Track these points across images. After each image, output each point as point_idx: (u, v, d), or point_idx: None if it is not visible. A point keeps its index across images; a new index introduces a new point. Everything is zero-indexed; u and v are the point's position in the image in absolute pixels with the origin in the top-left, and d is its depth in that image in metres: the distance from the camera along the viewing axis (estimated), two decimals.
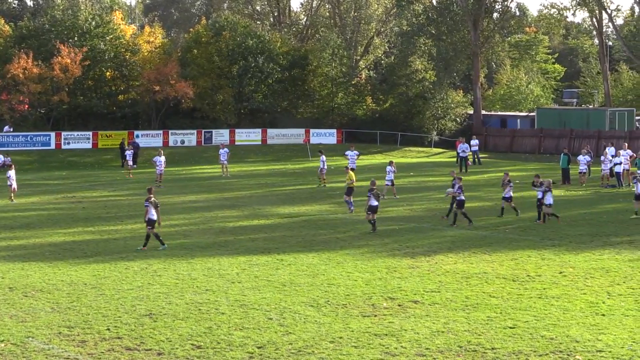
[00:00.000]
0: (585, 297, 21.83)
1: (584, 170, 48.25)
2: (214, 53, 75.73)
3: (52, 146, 68.50)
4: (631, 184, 46.34)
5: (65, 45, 69.98)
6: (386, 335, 18.50)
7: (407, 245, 29.70)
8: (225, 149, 56.38)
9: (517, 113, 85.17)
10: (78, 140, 69.36)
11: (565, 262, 26.26)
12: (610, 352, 17.26)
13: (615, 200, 41.61)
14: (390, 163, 43.90)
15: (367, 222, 32.59)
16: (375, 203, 32.12)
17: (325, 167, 48.93)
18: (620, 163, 46.93)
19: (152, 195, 29.36)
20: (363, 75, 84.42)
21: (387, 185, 42.70)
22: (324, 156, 48.89)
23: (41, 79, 69.57)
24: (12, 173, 42.61)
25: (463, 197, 33.92)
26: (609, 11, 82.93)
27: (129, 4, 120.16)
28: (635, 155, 48.24)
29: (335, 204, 40.09)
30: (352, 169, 51.27)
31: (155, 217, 29.02)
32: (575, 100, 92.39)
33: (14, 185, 42.48)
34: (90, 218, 36.51)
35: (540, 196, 34.33)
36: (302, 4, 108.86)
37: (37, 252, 28.80)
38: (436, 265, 25.93)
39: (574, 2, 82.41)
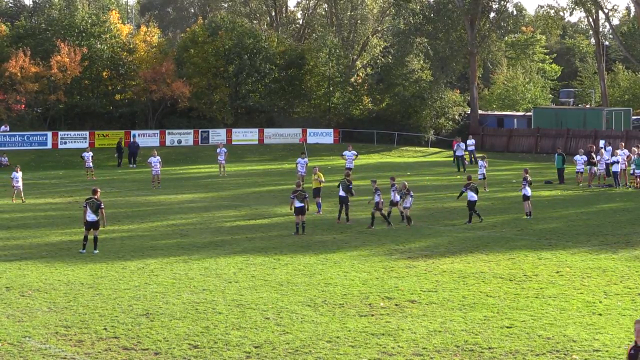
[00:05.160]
0: (582, 296, 21.84)
1: (581, 170, 48.31)
2: (210, 52, 75.72)
3: (49, 146, 68.42)
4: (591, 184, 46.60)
5: (65, 44, 70.04)
6: (383, 334, 18.50)
7: (404, 245, 29.70)
8: (224, 149, 56.41)
9: (513, 113, 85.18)
10: (75, 140, 69.28)
11: (562, 262, 26.28)
12: (607, 351, 17.27)
13: (612, 200, 41.64)
14: (483, 158, 46.96)
15: (295, 224, 32.28)
16: (299, 205, 31.95)
17: (303, 170, 48.50)
18: (618, 162, 47.02)
19: (94, 196, 28.45)
20: (360, 75, 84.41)
21: (480, 179, 44.55)
22: (303, 159, 48.79)
23: (38, 78, 69.56)
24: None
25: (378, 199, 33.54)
26: (606, 11, 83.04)
27: (125, 2, 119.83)
28: (630, 154, 48.29)
29: (332, 203, 40.04)
30: (349, 169, 51.56)
31: (91, 218, 28.21)
32: (571, 100, 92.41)
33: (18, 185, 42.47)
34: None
35: (397, 199, 33.99)
36: (298, 3, 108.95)
37: (34, 252, 28.78)
38: (433, 265, 25.94)
39: (571, 2, 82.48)
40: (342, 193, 34.80)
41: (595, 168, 47.61)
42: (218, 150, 56.31)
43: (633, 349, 12.29)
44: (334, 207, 37.51)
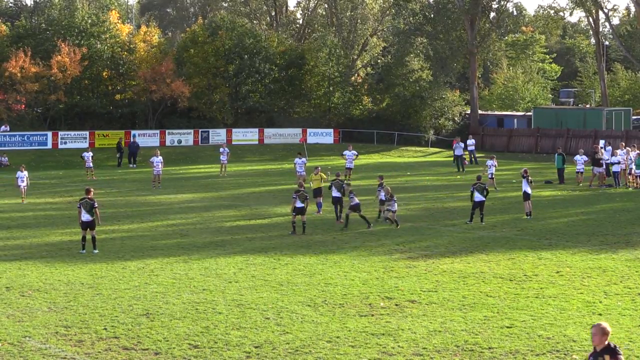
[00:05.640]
0: (582, 296, 21.84)
1: (581, 170, 48.31)
2: (210, 52, 75.76)
3: (49, 146, 68.45)
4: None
5: (65, 44, 70.09)
6: (383, 334, 18.50)
7: (404, 245, 29.70)
8: (227, 149, 56.65)
9: (514, 113, 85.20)
10: (75, 140, 69.31)
11: (562, 262, 26.28)
12: None
13: (612, 200, 41.64)
14: (492, 158, 47.41)
15: (291, 223, 32.24)
16: (300, 205, 31.94)
17: (302, 170, 48.41)
18: (619, 162, 47.01)
19: (87, 196, 28.50)
20: (361, 74, 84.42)
21: (489, 178, 45.18)
22: (301, 159, 48.74)
23: (38, 78, 69.60)
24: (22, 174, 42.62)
25: (357, 201, 33.38)
26: (606, 11, 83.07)
27: (125, 1, 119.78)
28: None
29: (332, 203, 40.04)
30: (349, 169, 51.63)
31: (86, 218, 28.17)
32: (571, 100, 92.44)
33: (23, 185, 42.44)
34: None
35: (383, 197, 34.13)
36: (298, 3, 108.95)
37: (34, 252, 28.78)
38: (433, 265, 25.93)
39: (571, 2, 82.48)
40: (336, 193, 34.91)
41: (601, 169, 47.42)
42: (221, 150, 56.48)
43: (592, 355, 11.97)
44: (333, 206, 37.47)
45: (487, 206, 37.18)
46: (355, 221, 34.64)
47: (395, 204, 33.49)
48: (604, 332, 11.57)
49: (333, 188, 35.03)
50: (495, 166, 46.26)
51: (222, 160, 55.75)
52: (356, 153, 53.31)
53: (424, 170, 58.80)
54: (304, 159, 48.70)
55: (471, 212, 34.09)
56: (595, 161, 47.55)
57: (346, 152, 52.69)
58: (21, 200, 42.23)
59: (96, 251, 28.33)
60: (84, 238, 28.53)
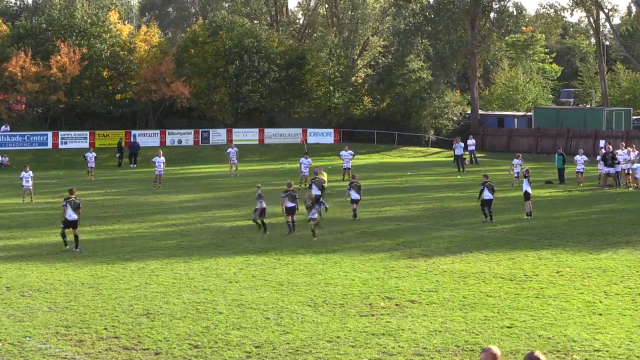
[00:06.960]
0: (582, 296, 21.84)
1: (581, 170, 48.29)
2: (210, 53, 75.78)
3: (49, 146, 68.50)
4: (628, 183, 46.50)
5: (65, 44, 70.12)
6: (383, 334, 18.50)
7: (405, 244, 29.71)
8: (235, 149, 56.91)
9: (514, 113, 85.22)
10: (75, 140, 69.35)
11: (562, 262, 26.27)
12: (607, 351, 17.26)
13: (612, 200, 41.64)
14: (518, 157, 48.06)
15: (286, 223, 32.12)
16: (291, 205, 31.86)
17: (307, 171, 48.56)
18: (619, 163, 46.94)
19: (72, 196, 28.68)
20: (361, 74, 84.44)
21: (515, 176, 46.03)
22: (307, 159, 49.08)
23: (38, 78, 69.62)
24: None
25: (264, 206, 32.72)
26: (606, 11, 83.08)
27: (126, 1, 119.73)
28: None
29: (332, 203, 40.05)
30: (347, 169, 51.65)
31: (72, 217, 28.33)
32: (572, 100, 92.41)
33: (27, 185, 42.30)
34: (87, 217, 36.38)
35: (356, 197, 34.72)
36: (299, 3, 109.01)
37: (35, 252, 28.78)
38: (433, 265, 25.93)
39: (572, 2, 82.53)
40: (317, 192, 35.34)
41: (611, 169, 47.13)
42: (229, 150, 56.78)
43: None
44: (333, 206, 37.53)
45: None
46: (355, 221, 34.67)
47: (316, 213, 31.92)
48: (493, 358, 11.55)
49: (313, 186, 35.45)
50: (520, 165, 46.33)
51: (232, 160, 56.06)
52: (353, 153, 53.31)
53: (424, 170, 58.81)
54: (309, 160, 49.08)
55: (482, 211, 34.12)
56: (606, 161, 47.13)
57: (343, 153, 52.75)
58: (22, 200, 42.23)
59: (79, 250, 28.28)
60: (64, 235, 28.58)
